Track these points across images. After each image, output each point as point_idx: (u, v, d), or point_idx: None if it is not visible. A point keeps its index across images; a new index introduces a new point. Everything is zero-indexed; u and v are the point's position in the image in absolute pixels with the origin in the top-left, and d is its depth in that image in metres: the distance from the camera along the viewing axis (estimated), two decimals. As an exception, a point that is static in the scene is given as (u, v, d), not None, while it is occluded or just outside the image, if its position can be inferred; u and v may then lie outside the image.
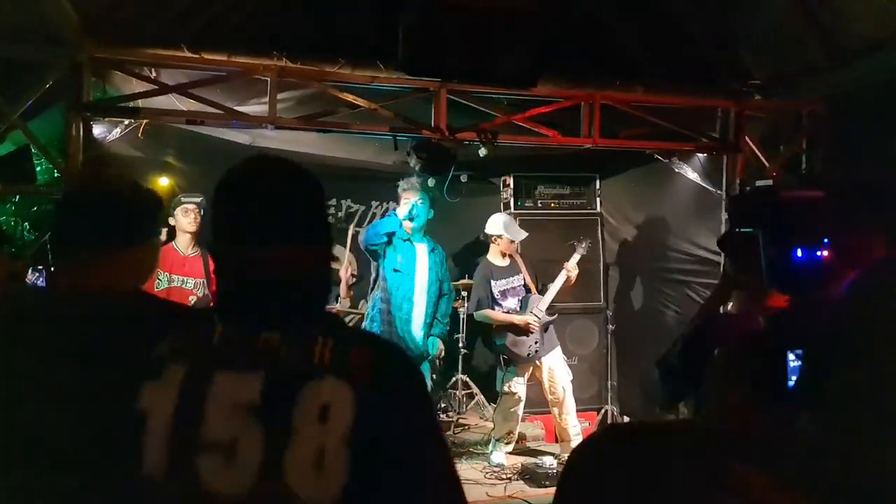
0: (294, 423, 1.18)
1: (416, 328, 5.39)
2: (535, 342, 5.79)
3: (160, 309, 1.70)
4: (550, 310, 5.88)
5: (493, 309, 5.88)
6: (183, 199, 5.29)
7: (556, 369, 5.90)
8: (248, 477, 1.16)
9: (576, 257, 6.00)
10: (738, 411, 1.75)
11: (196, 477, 1.17)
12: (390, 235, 5.38)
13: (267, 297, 1.31)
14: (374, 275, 5.57)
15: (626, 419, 6.80)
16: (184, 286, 5.23)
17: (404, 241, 5.46)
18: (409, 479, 1.23)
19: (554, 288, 5.91)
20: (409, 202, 5.45)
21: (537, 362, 5.88)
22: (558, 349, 5.99)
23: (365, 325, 5.37)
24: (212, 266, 5.08)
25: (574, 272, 5.94)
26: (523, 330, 5.76)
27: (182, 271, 5.24)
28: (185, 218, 5.26)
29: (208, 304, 5.22)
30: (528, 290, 5.97)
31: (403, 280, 5.23)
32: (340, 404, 1.20)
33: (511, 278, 5.96)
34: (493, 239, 5.98)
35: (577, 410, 6.35)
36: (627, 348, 6.90)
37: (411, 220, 5.50)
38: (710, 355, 2.45)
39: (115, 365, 1.33)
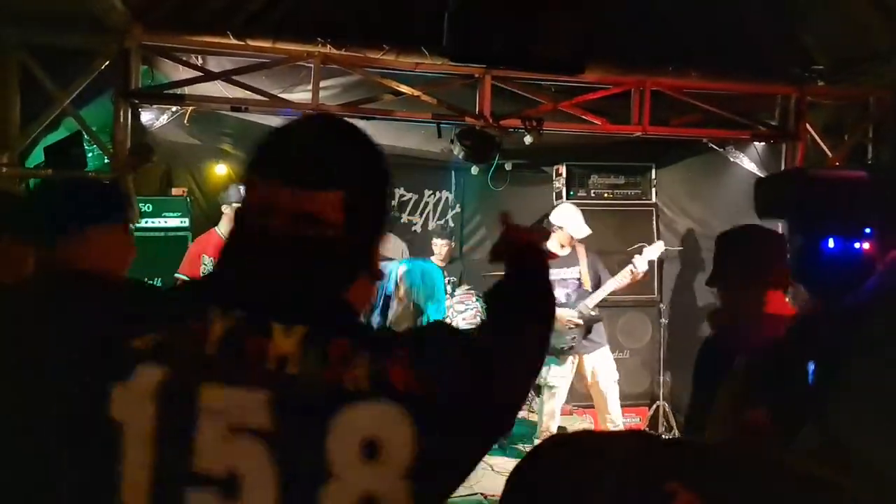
0: (329, 461, 0.93)
1: None
2: (573, 337, 5.65)
3: (143, 295, 1.21)
4: (597, 308, 5.72)
5: None
6: (241, 198, 5.33)
7: (600, 369, 5.73)
8: None
9: (643, 259, 5.70)
10: (753, 429, 1.63)
11: None
12: None
13: (285, 276, 1.01)
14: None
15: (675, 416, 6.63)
16: None
17: None
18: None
19: (608, 287, 5.71)
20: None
21: (573, 357, 5.75)
22: (605, 349, 5.80)
23: None
24: None
25: (639, 274, 5.66)
26: (563, 324, 5.65)
27: None
28: None
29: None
30: (580, 285, 5.81)
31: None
32: (394, 436, 0.95)
33: (564, 269, 5.78)
34: (553, 228, 5.79)
35: (628, 405, 6.20)
36: (681, 343, 6.70)
37: None
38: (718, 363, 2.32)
39: (82, 357, 1.02)
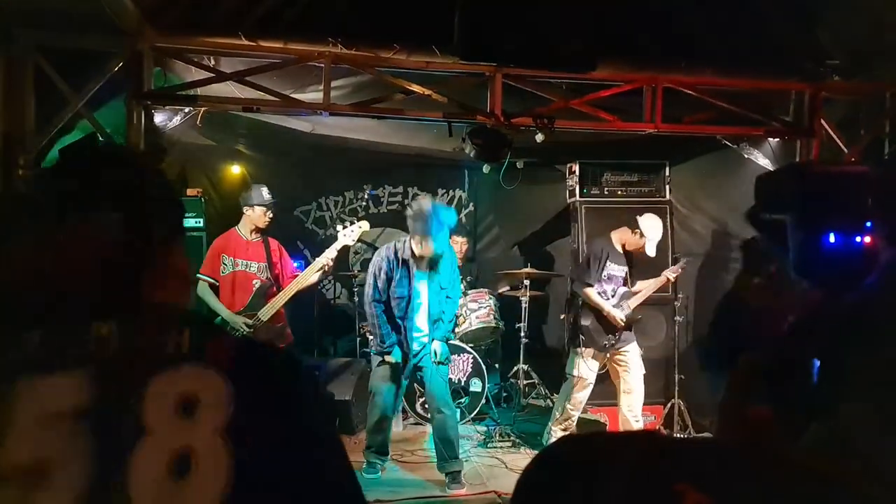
0: (145, 417, 0.98)
1: (422, 329, 5.27)
2: (615, 335, 5.69)
3: None
4: (637, 309, 5.81)
5: (592, 287, 5.76)
6: (262, 201, 5.31)
7: (632, 361, 5.79)
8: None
9: (677, 268, 5.90)
10: (758, 426, 1.61)
11: None
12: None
13: (90, 280, 1.09)
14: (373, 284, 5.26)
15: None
16: (248, 270, 5.33)
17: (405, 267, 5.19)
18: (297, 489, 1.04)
19: (648, 290, 5.83)
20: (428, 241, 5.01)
21: (608, 354, 5.77)
22: (635, 344, 5.88)
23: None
24: (273, 251, 5.09)
25: (673, 279, 5.90)
26: (608, 320, 5.67)
27: (246, 255, 5.33)
28: (265, 217, 5.33)
29: (270, 288, 5.30)
30: (624, 283, 5.86)
31: (402, 303, 5.13)
32: (211, 395, 1.00)
33: (619, 266, 5.83)
34: (634, 231, 5.77)
35: (644, 404, 6.19)
36: (697, 341, 6.67)
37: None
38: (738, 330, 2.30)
39: None
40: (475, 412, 6.66)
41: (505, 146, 5.34)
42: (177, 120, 5.38)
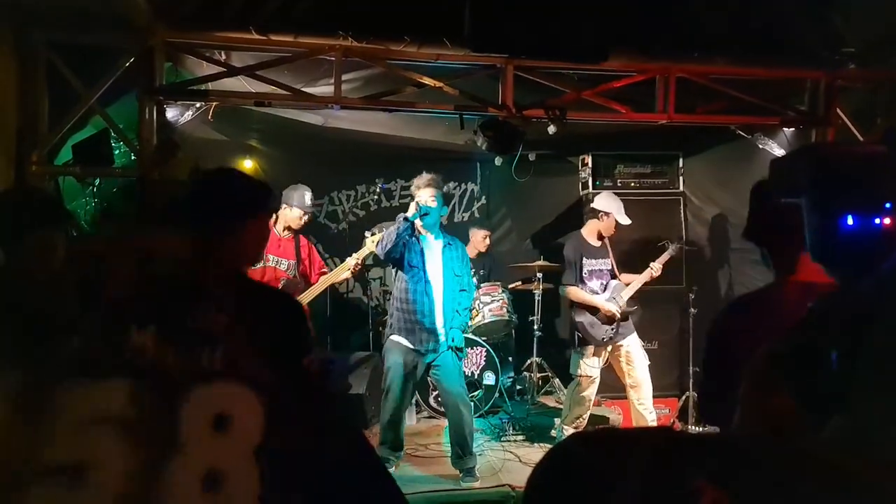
0: (179, 434, 1.01)
1: (438, 321, 5.23)
2: (612, 328, 5.64)
3: None
4: (632, 301, 5.73)
5: (577, 286, 5.74)
6: (302, 205, 5.26)
7: (634, 353, 5.75)
8: None
9: (664, 258, 5.78)
10: (778, 419, 1.59)
11: None
12: (405, 240, 5.05)
13: (139, 288, 1.13)
14: (394, 276, 5.32)
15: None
16: (278, 266, 5.26)
17: (415, 238, 5.14)
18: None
19: (638, 282, 5.74)
20: (418, 202, 5.02)
21: (610, 347, 5.74)
22: (635, 334, 5.83)
23: (390, 322, 5.32)
24: (303, 248, 5.07)
25: (658, 272, 5.75)
26: (603, 315, 5.64)
27: (277, 252, 5.25)
28: (300, 221, 5.27)
29: (297, 285, 5.28)
30: (612, 276, 5.81)
31: (418, 275, 5.09)
32: (244, 412, 1.04)
33: (600, 260, 5.78)
34: (599, 216, 5.70)
35: (658, 396, 6.15)
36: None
37: (421, 218, 5.07)
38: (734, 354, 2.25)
39: None
40: (488, 406, 6.65)
41: (517, 138, 5.32)
42: (189, 115, 5.38)
